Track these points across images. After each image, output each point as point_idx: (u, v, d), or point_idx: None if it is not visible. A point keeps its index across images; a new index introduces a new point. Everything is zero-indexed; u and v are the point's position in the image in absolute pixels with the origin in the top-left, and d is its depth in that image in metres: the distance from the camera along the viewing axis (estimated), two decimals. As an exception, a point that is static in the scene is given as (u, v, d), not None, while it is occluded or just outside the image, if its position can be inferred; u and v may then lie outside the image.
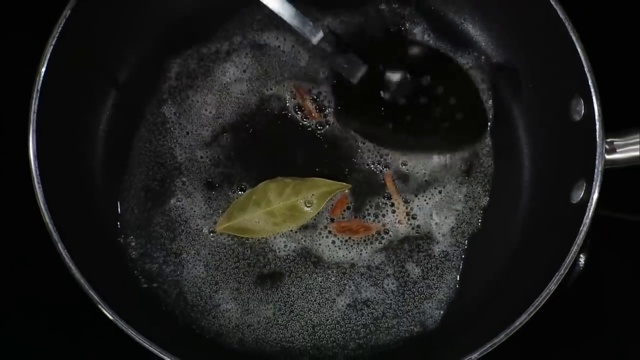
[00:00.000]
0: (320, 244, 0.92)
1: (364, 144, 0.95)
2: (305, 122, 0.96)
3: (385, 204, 0.93)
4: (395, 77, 0.92)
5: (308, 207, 0.93)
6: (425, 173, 0.95)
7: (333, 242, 0.92)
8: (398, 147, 0.94)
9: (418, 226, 0.93)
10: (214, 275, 0.92)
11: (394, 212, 0.93)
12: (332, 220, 0.93)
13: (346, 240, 0.92)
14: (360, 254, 0.92)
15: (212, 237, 0.93)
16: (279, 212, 0.94)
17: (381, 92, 0.94)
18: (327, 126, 0.96)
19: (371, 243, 0.93)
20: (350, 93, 0.97)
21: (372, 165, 0.94)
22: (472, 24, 0.98)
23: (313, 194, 0.93)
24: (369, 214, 0.93)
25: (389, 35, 0.98)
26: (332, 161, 0.95)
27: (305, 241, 0.93)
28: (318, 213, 0.93)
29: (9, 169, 0.94)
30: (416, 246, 0.93)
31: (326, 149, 0.95)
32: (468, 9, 0.98)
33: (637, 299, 0.95)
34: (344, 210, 0.93)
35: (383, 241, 0.93)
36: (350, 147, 0.95)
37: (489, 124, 0.97)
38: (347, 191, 0.93)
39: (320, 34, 0.89)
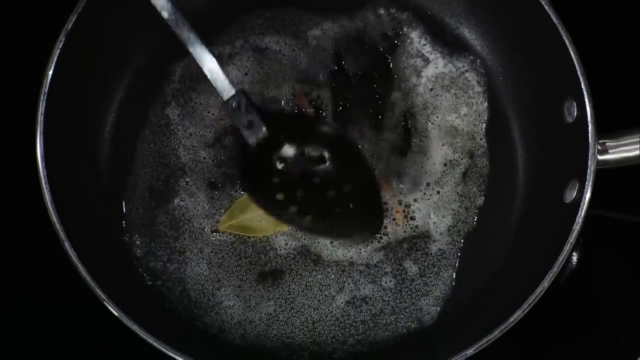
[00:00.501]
0: (319, 243, 0.93)
1: (360, 144, 0.96)
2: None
3: (386, 203, 0.93)
4: (290, 151, 0.91)
5: None
6: (423, 175, 0.95)
7: (331, 241, 0.93)
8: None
9: (416, 226, 0.93)
10: (217, 272, 0.92)
11: (391, 212, 0.93)
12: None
13: (345, 238, 0.92)
14: (359, 252, 0.92)
15: (214, 235, 0.93)
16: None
17: (277, 163, 0.92)
18: (325, 127, 0.96)
19: (370, 242, 0.93)
20: (348, 97, 0.97)
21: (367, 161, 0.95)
22: (468, 28, 0.98)
23: None
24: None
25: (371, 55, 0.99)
26: (329, 160, 0.95)
27: (305, 240, 0.93)
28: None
29: (16, 169, 0.94)
30: (414, 245, 0.93)
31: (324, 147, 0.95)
32: (464, 14, 0.98)
33: (629, 296, 0.95)
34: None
35: (382, 240, 0.93)
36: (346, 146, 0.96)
37: (484, 125, 0.97)
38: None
39: (233, 91, 0.88)
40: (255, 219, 0.94)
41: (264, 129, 0.90)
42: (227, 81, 0.88)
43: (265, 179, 0.91)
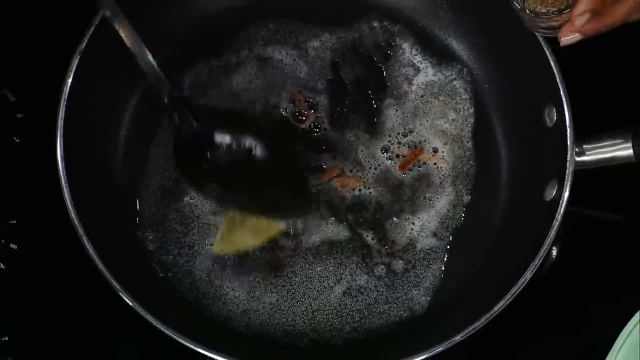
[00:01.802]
0: (319, 236, 0.93)
1: (356, 146, 0.96)
2: (303, 127, 0.97)
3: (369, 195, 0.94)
4: (222, 140, 0.93)
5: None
6: (415, 175, 0.95)
7: (331, 241, 0.93)
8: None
9: (409, 222, 0.94)
10: (223, 266, 0.93)
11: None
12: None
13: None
14: (355, 247, 0.94)
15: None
16: (261, 225, 0.95)
17: (207, 153, 0.93)
18: (323, 130, 0.97)
19: (366, 238, 0.94)
20: (345, 102, 0.98)
21: (363, 162, 0.96)
22: (456, 40, 0.99)
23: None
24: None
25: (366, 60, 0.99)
26: (326, 159, 0.96)
27: (305, 235, 0.93)
28: (317, 210, 0.94)
29: (38, 171, 0.93)
30: (406, 240, 0.93)
31: (323, 149, 0.96)
32: (452, 26, 0.99)
33: (605, 287, 0.94)
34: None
35: (377, 237, 0.94)
36: (343, 148, 0.96)
37: (471, 129, 0.97)
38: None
39: (168, 88, 0.90)
40: (246, 233, 0.94)
41: (196, 123, 0.91)
42: (167, 80, 0.89)
43: (198, 165, 0.93)
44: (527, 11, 0.86)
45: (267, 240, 0.93)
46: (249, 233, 0.94)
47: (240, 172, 0.93)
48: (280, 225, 0.94)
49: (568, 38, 0.83)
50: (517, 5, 0.86)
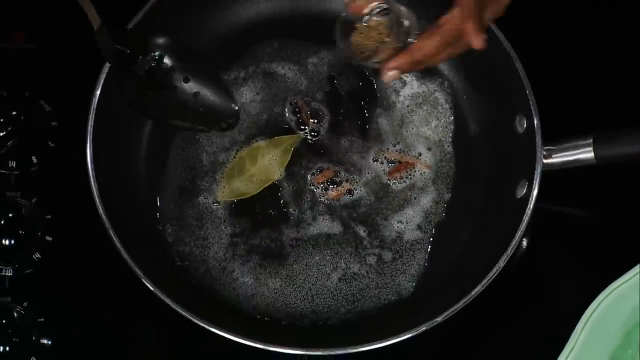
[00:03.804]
0: (317, 230, 0.94)
1: (350, 150, 0.96)
2: (303, 132, 0.97)
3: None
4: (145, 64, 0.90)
5: (276, 164, 0.93)
6: (402, 177, 0.96)
7: (328, 234, 0.94)
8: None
9: (397, 218, 0.94)
10: (233, 255, 0.93)
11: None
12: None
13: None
14: (349, 240, 0.94)
15: (231, 225, 0.94)
16: (257, 174, 0.94)
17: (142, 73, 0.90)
18: (321, 136, 0.97)
19: (361, 231, 0.94)
20: (340, 111, 0.98)
21: (356, 164, 0.96)
22: None
23: (273, 155, 0.94)
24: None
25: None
26: (324, 161, 0.96)
27: (305, 229, 0.94)
28: (316, 205, 0.94)
29: (71, 172, 0.93)
30: (395, 234, 0.94)
31: (321, 153, 0.96)
32: None
33: (569, 273, 0.94)
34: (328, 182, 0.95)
35: (369, 231, 0.94)
36: (339, 152, 0.96)
37: (451, 135, 0.98)
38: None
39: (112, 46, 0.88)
40: (242, 183, 0.94)
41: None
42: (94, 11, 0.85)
43: (131, 83, 0.91)
44: (351, 48, 0.85)
45: (263, 188, 0.94)
46: (247, 182, 0.94)
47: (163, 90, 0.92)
48: (275, 176, 0.94)
49: (389, 76, 0.84)
50: (341, 44, 0.86)
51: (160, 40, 0.91)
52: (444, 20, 0.81)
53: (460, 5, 0.80)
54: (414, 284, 0.93)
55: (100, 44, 0.87)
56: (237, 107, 0.94)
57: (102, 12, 0.86)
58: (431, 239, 0.95)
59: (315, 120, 0.98)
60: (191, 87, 0.93)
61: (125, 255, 0.85)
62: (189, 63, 0.92)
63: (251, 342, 0.83)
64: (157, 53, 0.91)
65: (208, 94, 0.93)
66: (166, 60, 0.92)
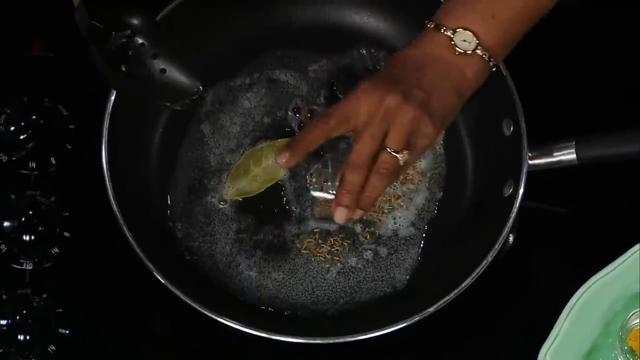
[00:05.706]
0: (318, 227, 0.94)
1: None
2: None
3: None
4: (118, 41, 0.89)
5: (278, 164, 0.88)
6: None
7: (327, 231, 0.94)
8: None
9: (391, 214, 0.94)
10: (239, 250, 0.93)
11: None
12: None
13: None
14: (347, 234, 0.94)
15: (237, 222, 0.94)
16: (261, 174, 0.94)
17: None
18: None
19: (357, 227, 0.94)
20: None
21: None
22: None
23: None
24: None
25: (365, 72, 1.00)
26: (324, 161, 0.96)
27: (306, 226, 0.94)
28: (316, 204, 0.94)
29: (87, 172, 0.93)
30: (390, 230, 0.94)
31: (321, 155, 0.95)
32: None
33: (553, 267, 0.95)
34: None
35: (363, 227, 0.94)
36: (338, 154, 0.95)
37: (443, 137, 0.97)
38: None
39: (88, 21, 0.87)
40: (247, 183, 0.94)
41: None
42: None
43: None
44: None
45: (269, 185, 0.94)
46: (252, 182, 0.94)
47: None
48: (278, 176, 0.95)
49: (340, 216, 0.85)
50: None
51: (133, 18, 0.90)
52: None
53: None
54: (408, 277, 0.94)
55: (78, 20, 0.88)
56: (201, 87, 0.92)
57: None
58: (424, 235, 0.95)
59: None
60: (159, 63, 0.91)
61: (138, 250, 0.86)
62: (159, 40, 0.91)
63: (255, 330, 0.84)
64: (128, 31, 0.90)
65: (174, 71, 0.91)
66: (137, 38, 0.91)
